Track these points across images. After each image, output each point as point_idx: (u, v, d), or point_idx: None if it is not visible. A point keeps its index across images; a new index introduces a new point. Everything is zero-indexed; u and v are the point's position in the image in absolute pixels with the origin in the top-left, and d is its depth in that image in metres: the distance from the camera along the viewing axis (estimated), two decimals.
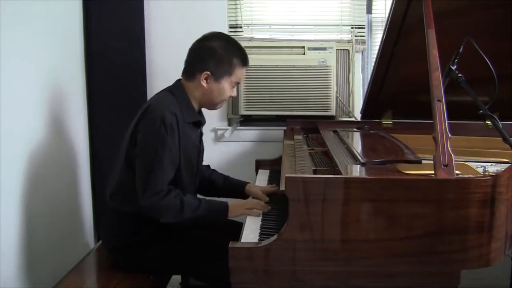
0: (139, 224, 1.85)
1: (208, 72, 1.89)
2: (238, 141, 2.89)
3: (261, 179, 2.33)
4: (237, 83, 1.98)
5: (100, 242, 2.14)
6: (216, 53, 1.89)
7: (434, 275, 1.43)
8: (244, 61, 1.95)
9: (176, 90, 1.93)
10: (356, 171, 1.65)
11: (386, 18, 2.23)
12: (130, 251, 1.88)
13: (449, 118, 1.52)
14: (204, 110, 2.04)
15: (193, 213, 1.79)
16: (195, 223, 1.82)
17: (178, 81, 1.97)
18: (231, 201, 1.89)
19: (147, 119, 1.83)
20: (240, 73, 1.94)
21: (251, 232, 1.62)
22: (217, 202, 1.89)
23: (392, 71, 2.35)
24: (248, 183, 2.17)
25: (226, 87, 1.93)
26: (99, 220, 2.62)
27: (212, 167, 2.25)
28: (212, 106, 1.99)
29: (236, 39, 2.85)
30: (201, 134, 2.07)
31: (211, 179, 2.18)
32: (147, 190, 1.76)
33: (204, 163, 2.25)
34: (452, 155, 1.45)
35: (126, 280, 1.83)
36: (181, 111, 1.88)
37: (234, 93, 1.99)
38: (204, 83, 1.90)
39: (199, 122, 2.00)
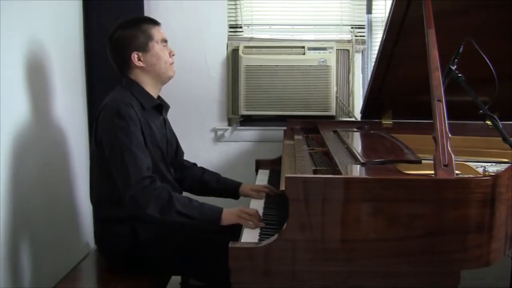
0: (134, 227, 1.83)
1: (135, 52, 1.89)
2: (238, 141, 2.88)
3: (261, 179, 2.33)
4: (164, 41, 1.95)
5: None
6: (125, 36, 1.89)
7: (434, 275, 1.43)
8: (151, 21, 1.95)
9: (127, 83, 1.92)
10: (356, 171, 1.65)
11: (386, 18, 2.23)
12: (128, 256, 1.86)
13: (449, 118, 1.52)
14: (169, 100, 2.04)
15: (184, 208, 1.70)
16: (183, 224, 1.73)
17: (126, 77, 1.95)
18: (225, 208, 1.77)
19: (103, 117, 1.82)
20: (157, 32, 1.93)
21: (251, 232, 1.62)
22: (210, 205, 1.77)
23: (392, 71, 2.35)
24: (241, 183, 2.16)
25: (158, 49, 1.91)
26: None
27: (212, 167, 2.25)
28: (164, 76, 1.95)
29: (236, 39, 2.88)
30: (164, 120, 2.03)
31: (203, 180, 2.16)
32: (128, 184, 1.72)
33: (204, 163, 2.25)
34: (452, 155, 1.45)
35: (126, 281, 1.83)
36: (138, 100, 1.87)
37: (172, 52, 1.96)
38: (140, 63, 1.90)
39: (160, 106, 1.97)
